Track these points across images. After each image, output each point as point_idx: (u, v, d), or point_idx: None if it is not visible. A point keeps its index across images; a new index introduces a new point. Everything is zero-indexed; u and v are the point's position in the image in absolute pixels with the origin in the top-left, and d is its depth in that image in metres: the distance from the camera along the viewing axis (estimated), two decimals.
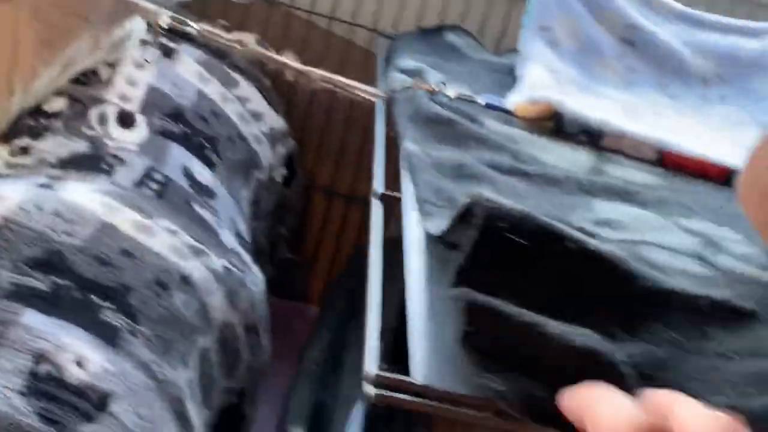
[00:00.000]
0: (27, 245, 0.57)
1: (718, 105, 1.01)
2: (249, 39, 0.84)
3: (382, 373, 0.42)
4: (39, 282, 0.55)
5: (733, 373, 0.46)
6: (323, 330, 0.94)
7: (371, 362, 0.43)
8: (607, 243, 0.60)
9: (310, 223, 1.25)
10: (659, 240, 0.63)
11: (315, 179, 1.22)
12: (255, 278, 0.77)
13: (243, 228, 0.91)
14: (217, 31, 0.82)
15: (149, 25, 0.87)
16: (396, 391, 0.41)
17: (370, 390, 0.41)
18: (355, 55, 1.16)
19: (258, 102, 1.07)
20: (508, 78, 0.97)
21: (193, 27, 0.82)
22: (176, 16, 0.82)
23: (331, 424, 0.78)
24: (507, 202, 0.51)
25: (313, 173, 1.22)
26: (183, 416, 0.57)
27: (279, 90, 1.15)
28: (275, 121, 1.09)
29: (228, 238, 0.82)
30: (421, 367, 0.43)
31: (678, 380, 0.45)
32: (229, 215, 0.88)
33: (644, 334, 0.49)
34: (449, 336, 0.46)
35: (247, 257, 0.82)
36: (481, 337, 0.43)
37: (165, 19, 0.82)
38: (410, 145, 0.72)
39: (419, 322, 0.46)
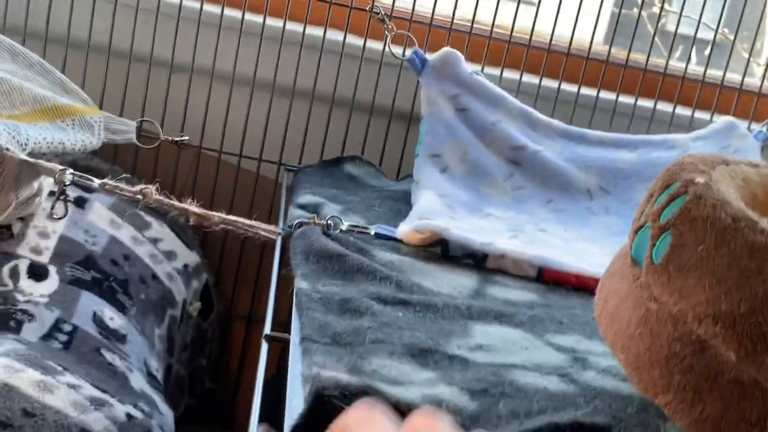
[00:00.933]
0: None
1: (601, 216, 1.08)
2: (150, 189, 0.89)
3: None
4: None
5: None
6: None
7: None
8: (476, 368, 0.65)
9: (231, 350, 1.28)
10: (527, 360, 0.68)
11: (234, 308, 1.26)
12: (163, 420, 0.80)
13: (155, 367, 0.94)
14: (118, 184, 0.87)
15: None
16: None
17: None
18: (265, 187, 1.21)
19: (171, 241, 1.12)
20: (403, 204, 1.03)
21: (95, 182, 0.87)
22: (79, 174, 0.87)
23: None
24: (344, 376, 0.57)
25: (232, 302, 1.26)
26: None
27: (193, 226, 1.20)
28: (189, 257, 1.14)
29: (137, 381, 0.85)
30: None
31: None
32: (141, 357, 0.91)
33: None
34: None
35: (156, 398, 0.85)
36: None
37: (68, 177, 0.86)
38: (301, 282, 0.77)
39: None
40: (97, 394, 0.73)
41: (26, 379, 0.68)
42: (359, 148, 1.21)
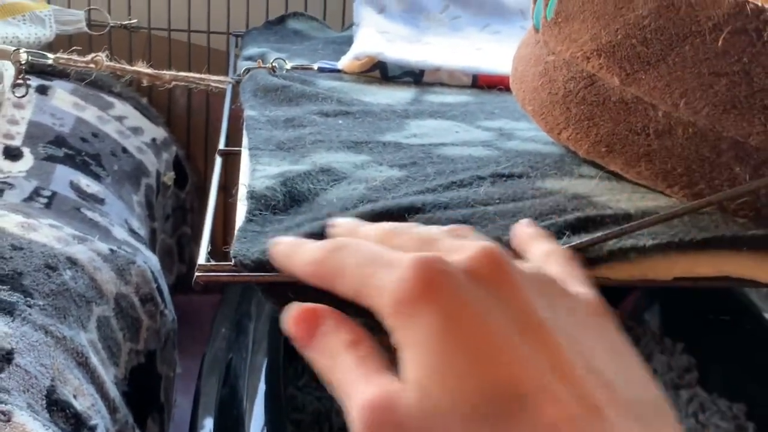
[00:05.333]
0: None
1: None
2: (101, 56, 0.94)
3: (206, 263, 0.53)
4: None
5: (492, 212, 0.58)
6: (227, 304, 1.05)
7: (202, 257, 0.55)
8: (408, 149, 0.72)
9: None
10: (456, 139, 0.75)
11: (208, 179, 1.33)
12: (146, 258, 0.87)
13: (137, 226, 1.01)
14: (71, 57, 0.93)
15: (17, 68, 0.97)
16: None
17: (197, 275, 0.53)
18: (217, 59, 1.27)
19: (135, 118, 1.18)
20: (347, 46, 1.09)
21: (50, 57, 0.92)
22: (32, 51, 0.92)
23: (240, 379, 0.89)
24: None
25: (205, 173, 1.33)
26: (87, 366, 0.68)
27: (157, 106, 1.26)
28: (155, 131, 1.20)
29: (120, 233, 0.92)
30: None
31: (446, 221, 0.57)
32: (121, 216, 0.99)
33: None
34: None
35: (140, 246, 0.92)
36: None
37: (23, 56, 0.92)
38: (249, 111, 0.83)
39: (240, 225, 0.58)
40: (79, 234, 0.80)
41: (10, 222, 0.75)
42: (301, 8, 1.26)
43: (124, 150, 1.11)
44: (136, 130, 1.16)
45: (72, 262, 0.74)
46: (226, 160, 0.78)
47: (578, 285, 0.39)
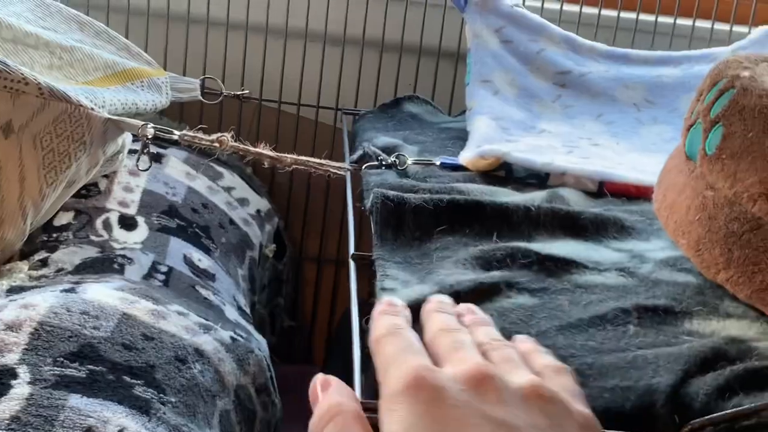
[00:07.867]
0: (62, 342, 0.68)
1: (651, 125, 1.12)
2: (226, 137, 0.95)
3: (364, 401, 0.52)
4: (77, 371, 0.66)
5: (651, 357, 0.57)
6: None
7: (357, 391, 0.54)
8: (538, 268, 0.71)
9: (304, 290, 1.35)
10: (586, 260, 0.73)
11: (304, 249, 1.33)
12: (259, 344, 0.87)
13: (243, 303, 1.01)
14: (196, 134, 0.94)
15: (136, 136, 0.98)
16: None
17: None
18: (324, 132, 1.28)
19: (242, 189, 1.19)
20: (463, 136, 1.08)
21: (176, 134, 0.93)
22: (160, 126, 0.93)
23: None
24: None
25: (301, 244, 1.33)
26: None
27: (260, 175, 1.27)
28: (260, 203, 1.20)
29: (231, 313, 0.92)
30: None
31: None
32: (230, 293, 0.99)
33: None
34: None
35: (249, 328, 0.92)
36: None
37: (150, 131, 0.93)
38: (378, 230, 0.81)
39: None
40: (202, 321, 0.80)
41: (142, 309, 0.75)
42: (410, 90, 1.27)
43: (231, 222, 1.11)
44: (243, 201, 1.17)
45: (199, 354, 0.74)
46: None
47: (576, 402, 0.46)
